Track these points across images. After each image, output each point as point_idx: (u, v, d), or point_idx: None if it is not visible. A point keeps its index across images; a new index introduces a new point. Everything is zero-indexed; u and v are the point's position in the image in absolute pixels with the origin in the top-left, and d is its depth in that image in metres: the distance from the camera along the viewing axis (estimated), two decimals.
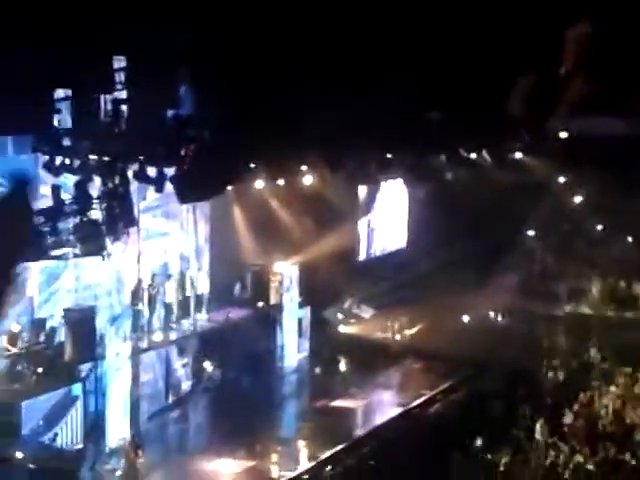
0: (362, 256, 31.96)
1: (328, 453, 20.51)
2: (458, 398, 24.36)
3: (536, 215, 32.69)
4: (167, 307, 23.81)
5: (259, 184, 24.23)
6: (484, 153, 26.07)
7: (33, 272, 20.84)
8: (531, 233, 34.07)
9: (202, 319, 24.86)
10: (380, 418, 23.12)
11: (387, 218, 33.00)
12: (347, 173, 25.64)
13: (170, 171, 18.55)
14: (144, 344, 22.47)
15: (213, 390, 24.03)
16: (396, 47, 21.18)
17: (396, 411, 23.49)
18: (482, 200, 30.34)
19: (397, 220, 33.48)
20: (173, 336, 23.61)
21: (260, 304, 26.19)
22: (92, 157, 18.32)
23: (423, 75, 21.83)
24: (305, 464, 20.24)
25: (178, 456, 20.53)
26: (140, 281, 23.22)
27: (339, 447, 20.81)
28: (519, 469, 19.66)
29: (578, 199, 33.35)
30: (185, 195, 18.96)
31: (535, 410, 21.91)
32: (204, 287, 25.58)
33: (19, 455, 17.57)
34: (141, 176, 18.88)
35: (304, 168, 24.77)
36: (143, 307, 22.95)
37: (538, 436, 20.56)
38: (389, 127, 23.06)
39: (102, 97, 18.82)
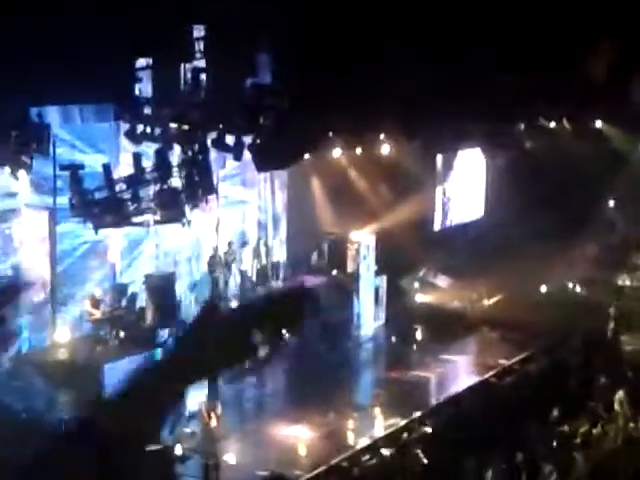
0: (438, 225, 31.82)
1: (404, 421, 20.59)
2: (535, 368, 24.20)
3: (616, 185, 32.19)
4: (243, 274, 24.04)
5: (336, 153, 24.27)
6: (564, 122, 25.71)
7: (115, 239, 21.24)
8: (611, 203, 33.59)
9: (278, 286, 25.01)
10: (456, 387, 23.09)
11: (464, 187, 32.77)
12: (424, 142, 25.54)
13: (248, 139, 18.70)
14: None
15: (289, 357, 24.25)
16: (475, 12, 21.00)
17: (472, 380, 23.45)
18: (562, 170, 29.98)
19: (474, 190, 33.24)
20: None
21: (335, 272, 26.26)
22: (172, 125, 18.57)
23: (503, 41, 21.62)
24: (381, 431, 20.36)
25: (255, 421, 20.78)
26: (216, 248, 23.48)
27: (415, 415, 20.86)
28: (597, 440, 19.51)
29: None
30: (263, 163, 19.13)
31: (614, 381, 21.67)
32: (281, 255, 25.78)
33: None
34: (220, 144, 19.09)
35: (382, 137, 24.75)
36: (220, 274, 23.18)
37: (617, 407, 20.36)
38: (467, 95, 22.90)
39: (182, 66, 19.05)
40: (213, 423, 18.90)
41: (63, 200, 18.80)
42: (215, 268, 23.08)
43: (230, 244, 24.02)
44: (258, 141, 18.54)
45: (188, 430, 19.26)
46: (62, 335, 19.76)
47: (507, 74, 23.19)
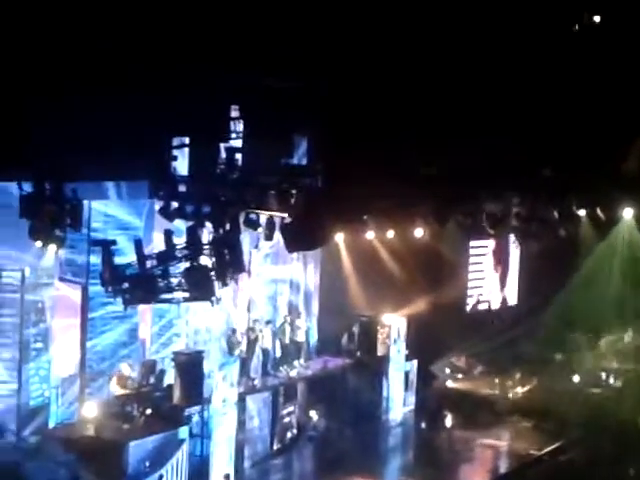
0: (470, 310, 31.63)
1: None
2: (566, 459, 23.75)
3: None
4: (265, 353, 23.77)
5: (369, 235, 24.27)
6: (597, 210, 25.66)
7: (146, 315, 21.28)
8: None
9: (302, 367, 24.78)
10: (487, 476, 22.69)
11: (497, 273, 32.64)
12: (458, 226, 25.48)
13: (280, 219, 18.80)
14: (248, 389, 22.56)
15: (317, 439, 24.01)
16: (515, 103, 21.15)
17: (502, 469, 23.07)
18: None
19: (509, 275, 33.08)
20: (276, 382, 23.61)
21: (361, 354, 25.98)
22: (205, 203, 18.72)
23: (537, 130, 21.72)
24: None
25: None
26: (235, 329, 23.27)
27: None
28: None
29: None
30: (293, 243, 19.15)
31: None
32: (311, 335, 25.69)
33: None
34: (251, 223, 19.20)
35: (415, 220, 24.73)
36: (242, 353, 23.01)
37: None
38: (501, 180, 22.94)
39: (218, 145, 19.29)
40: None
41: (95, 276, 18.94)
42: (234, 347, 22.91)
43: (254, 322, 23.89)
44: (289, 221, 18.61)
45: None
46: (89, 411, 19.67)
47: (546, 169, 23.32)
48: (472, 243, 31.05)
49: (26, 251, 18.30)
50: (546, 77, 21.22)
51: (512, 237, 31.31)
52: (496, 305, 32.66)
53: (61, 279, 19.73)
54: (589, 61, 21.84)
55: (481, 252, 31.78)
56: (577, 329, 30.72)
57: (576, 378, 29.32)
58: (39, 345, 19.51)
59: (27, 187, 16.25)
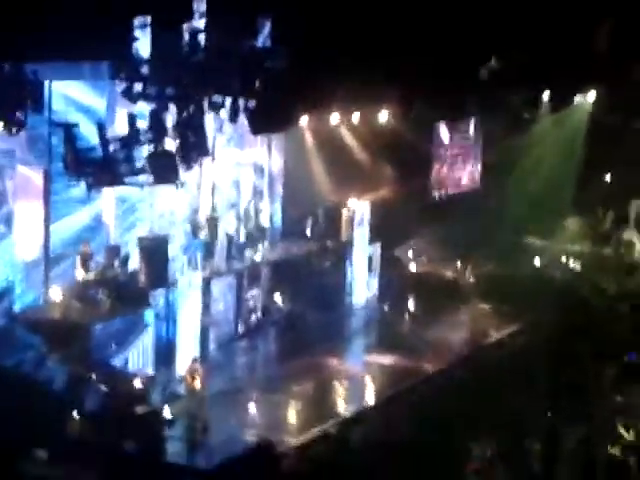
0: (434, 196, 31.70)
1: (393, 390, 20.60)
2: (525, 341, 24.16)
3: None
4: (229, 237, 23.74)
5: (334, 119, 24.10)
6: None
7: (109, 199, 21.12)
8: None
9: (267, 252, 24.83)
10: (448, 358, 23.05)
11: (461, 158, 32.62)
12: (423, 111, 25.42)
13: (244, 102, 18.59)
14: (213, 273, 22.62)
15: (281, 323, 24.25)
16: None
17: (462, 352, 23.47)
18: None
19: (472, 161, 33.08)
20: (240, 266, 23.67)
21: (325, 239, 26.12)
22: (169, 86, 18.43)
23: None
24: (371, 399, 20.39)
25: (241, 387, 20.65)
26: (197, 211, 23.21)
27: (404, 385, 20.83)
28: None
29: None
30: (258, 126, 19.00)
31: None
32: (276, 219, 25.73)
33: (92, 377, 17.98)
34: (215, 106, 18.97)
35: (379, 104, 24.58)
36: (206, 237, 22.99)
37: None
38: (465, 66, 22.83)
39: (181, 26, 18.89)
40: (197, 385, 18.85)
41: (57, 159, 18.72)
42: (198, 230, 22.87)
43: (215, 206, 23.78)
44: (254, 103, 18.41)
45: (177, 392, 19.26)
46: (55, 294, 19.69)
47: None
48: (437, 128, 30.88)
49: None
50: None
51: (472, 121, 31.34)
52: (460, 190, 32.70)
53: (22, 162, 19.45)
54: None
55: (444, 137, 31.65)
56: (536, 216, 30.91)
57: (537, 261, 29.70)
58: (1, 229, 19.33)
59: None
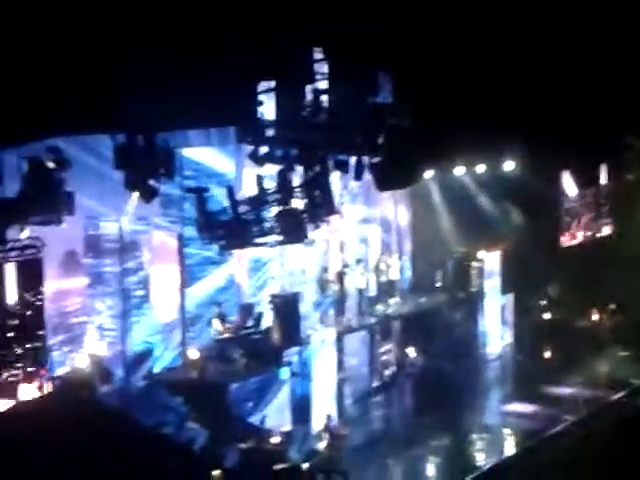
0: (566, 243, 31.21)
1: (534, 441, 20.25)
2: None
3: None
4: (360, 293, 23.94)
5: (459, 171, 24.11)
6: None
7: (241, 260, 21.60)
8: None
9: (398, 305, 24.88)
10: (588, 407, 22.54)
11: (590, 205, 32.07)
12: (548, 160, 25.20)
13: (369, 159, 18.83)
14: (345, 328, 22.79)
15: (416, 376, 24.19)
16: None
17: (605, 400, 22.90)
18: None
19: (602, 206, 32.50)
20: (372, 321, 23.77)
21: (456, 290, 26.04)
22: (294, 147, 18.83)
23: None
24: (511, 451, 20.09)
25: (381, 440, 20.70)
26: (326, 268, 23.47)
27: (547, 434, 20.47)
28: None
29: None
30: (383, 183, 19.19)
31: None
32: (405, 273, 25.80)
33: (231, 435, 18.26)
34: (340, 165, 19.27)
35: (505, 155, 24.48)
36: (337, 293, 23.21)
37: None
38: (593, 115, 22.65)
39: (304, 88, 19.32)
40: (338, 442, 18.97)
41: (190, 223, 19.34)
42: (328, 287, 23.11)
43: (344, 262, 24.01)
44: (378, 160, 18.63)
45: (315, 448, 19.38)
46: (192, 355, 20.16)
47: None
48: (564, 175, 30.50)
49: (122, 202, 18.67)
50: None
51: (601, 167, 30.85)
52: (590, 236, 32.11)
53: (157, 227, 20.12)
54: None
55: (572, 184, 31.19)
56: None
57: None
58: (140, 293, 19.96)
59: (120, 139, 16.58)
